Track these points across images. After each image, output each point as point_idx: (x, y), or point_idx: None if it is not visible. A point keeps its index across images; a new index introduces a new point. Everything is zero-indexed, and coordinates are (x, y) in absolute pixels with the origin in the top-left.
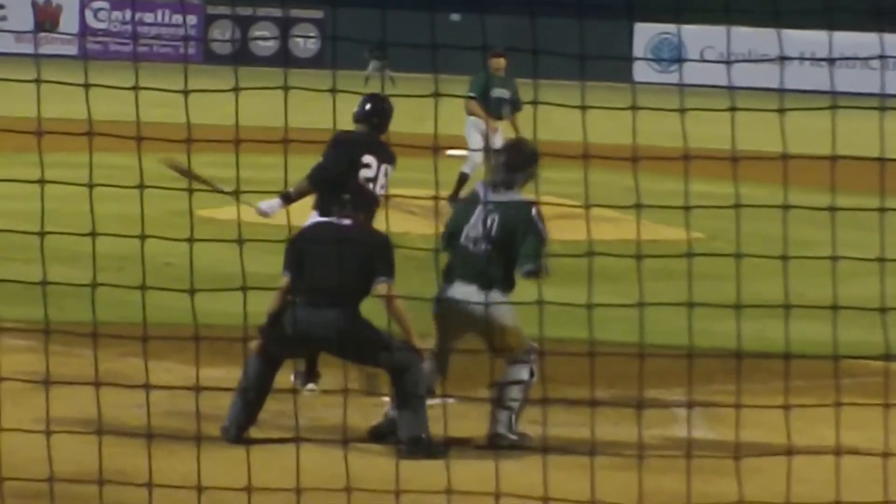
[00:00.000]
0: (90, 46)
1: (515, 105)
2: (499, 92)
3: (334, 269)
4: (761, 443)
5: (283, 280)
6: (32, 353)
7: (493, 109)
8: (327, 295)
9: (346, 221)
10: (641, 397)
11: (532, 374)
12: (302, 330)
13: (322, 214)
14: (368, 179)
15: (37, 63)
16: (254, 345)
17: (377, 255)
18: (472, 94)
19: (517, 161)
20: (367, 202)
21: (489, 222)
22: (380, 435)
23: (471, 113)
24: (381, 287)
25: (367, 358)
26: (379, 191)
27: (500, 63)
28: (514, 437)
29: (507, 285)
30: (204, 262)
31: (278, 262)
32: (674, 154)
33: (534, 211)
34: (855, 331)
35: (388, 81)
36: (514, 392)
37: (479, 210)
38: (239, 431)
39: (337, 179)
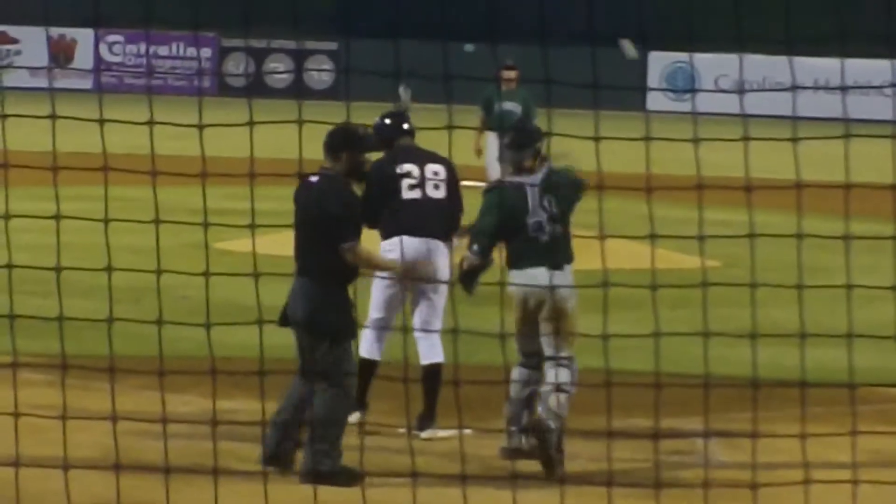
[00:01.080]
0: (105, 80)
1: (528, 117)
2: (507, 105)
3: (302, 233)
4: (779, 470)
5: None
6: (51, 387)
7: (500, 123)
8: (300, 262)
9: (313, 178)
10: (658, 427)
11: (573, 384)
12: (290, 305)
13: (387, 237)
14: (413, 186)
15: (51, 98)
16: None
17: (337, 221)
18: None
19: (522, 139)
20: (428, 214)
21: (546, 203)
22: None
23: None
24: (346, 252)
25: (314, 346)
26: (433, 192)
27: (508, 76)
28: (555, 453)
29: (572, 256)
30: (220, 294)
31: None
32: (688, 181)
33: (576, 173)
34: (872, 357)
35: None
36: (563, 400)
37: (531, 197)
38: (280, 456)
39: (385, 205)
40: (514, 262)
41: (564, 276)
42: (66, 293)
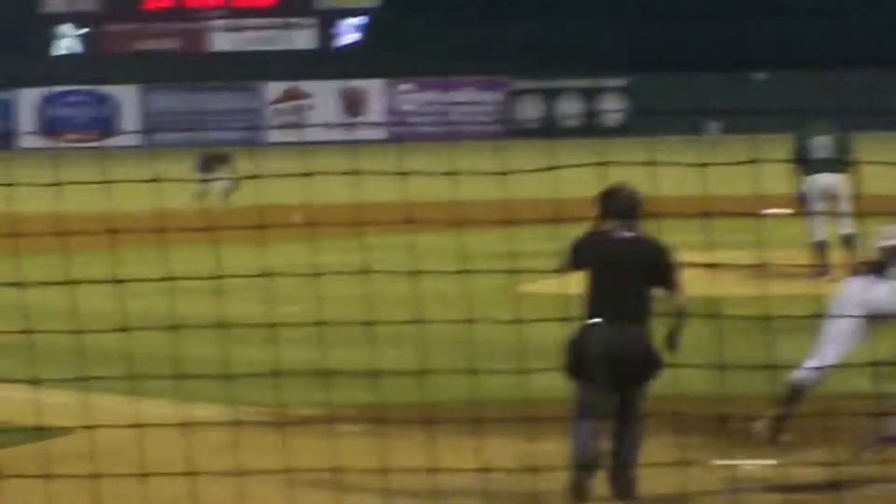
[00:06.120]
0: (399, 129)
1: (844, 153)
2: (818, 141)
3: (624, 285)
4: None
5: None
6: (367, 438)
7: (812, 160)
8: (625, 313)
9: (628, 234)
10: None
11: None
12: (604, 351)
13: None
14: None
15: (350, 151)
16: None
17: (658, 267)
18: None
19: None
20: None
21: None
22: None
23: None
24: (679, 290)
25: (640, 384)
26: None
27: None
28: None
29: None
30: (530, 335)
31: None
32: None
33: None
34: None
35: (710, 145)
36: None
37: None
38: (580, 493)
39: None
40: None
41: None
42: (378, 343)
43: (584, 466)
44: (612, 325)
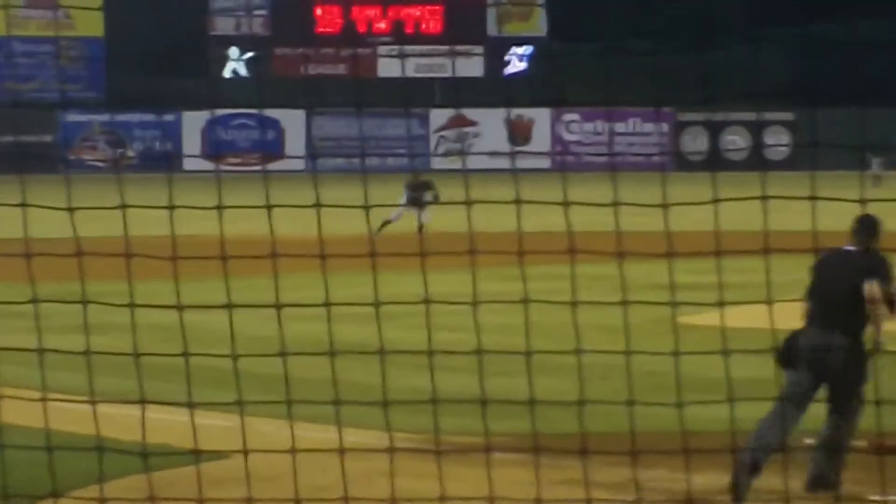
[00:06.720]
0: (563, 159)
1: None
2: None
3: (837, 293)
4: None
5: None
6: (522, 467)
7: None
8: (836, 320)
9: (851, 248)
10: None
11: None
12: (809, 354)
13: None
14: None
15: (515, 179)
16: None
17: (872, 269)
18: None
19: None
20: None
21: None
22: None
23: None
24: (868, 287)
25: (847, 396)
26: None
27: None
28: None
29: None
30: (686, 368)
31: (764, 368)
32: None
33: None
34: None
35: (873, 180)
36: None
37: None
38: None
39: None
40: None
41: None
42: (538, 371)
43: (750, 464)
44: (823, 330)
